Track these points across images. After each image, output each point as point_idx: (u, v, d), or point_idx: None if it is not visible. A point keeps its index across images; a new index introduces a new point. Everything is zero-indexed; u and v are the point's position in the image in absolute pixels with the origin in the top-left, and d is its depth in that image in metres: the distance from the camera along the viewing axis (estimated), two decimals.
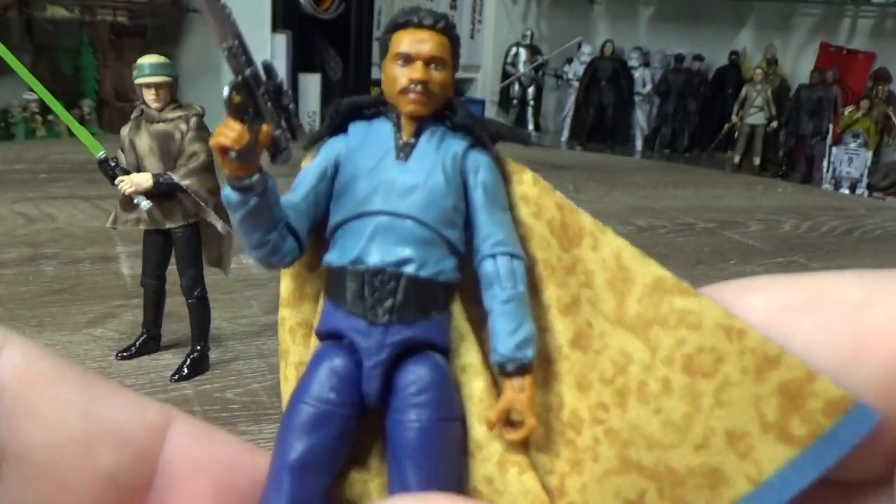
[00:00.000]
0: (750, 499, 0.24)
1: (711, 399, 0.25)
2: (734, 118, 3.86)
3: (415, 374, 0.29)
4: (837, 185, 3.48)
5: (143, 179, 0.95)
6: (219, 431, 0.29)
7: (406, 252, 0.30)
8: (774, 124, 3.77)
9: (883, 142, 3.66)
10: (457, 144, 0.31)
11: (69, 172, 2.05)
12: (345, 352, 0.30)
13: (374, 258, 0.30)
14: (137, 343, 1.06)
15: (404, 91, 0.31)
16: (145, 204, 0.96)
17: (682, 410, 0.26)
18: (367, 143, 0.32)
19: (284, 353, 0.32)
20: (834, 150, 3.52)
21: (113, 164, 0.96)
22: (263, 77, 0.28)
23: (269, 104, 0.28)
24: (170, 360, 1.05)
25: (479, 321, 0.31)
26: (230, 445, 0.28)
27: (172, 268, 1.03)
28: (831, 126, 3.57)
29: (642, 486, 0.26)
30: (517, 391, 0.29)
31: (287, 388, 0.31)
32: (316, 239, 0.32)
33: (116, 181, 0.95)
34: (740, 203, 2.23)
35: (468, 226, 0.31)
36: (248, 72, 0.27)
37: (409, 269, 0.29)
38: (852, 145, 3.47)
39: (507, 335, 0.29)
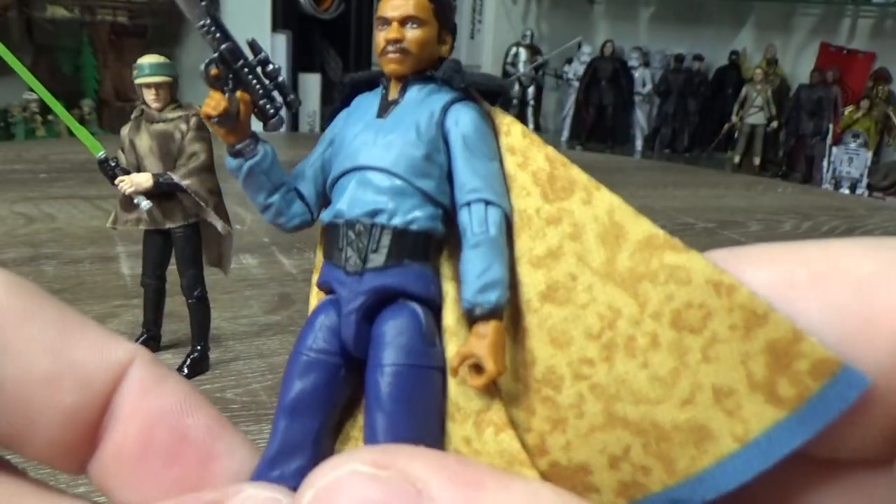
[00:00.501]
0: (735, 457, 0.24)
1: (699, 355, 0.25)
2: (734, 118, 3.86)
3: (391, 321, 0.30)
4: (837, 185, 3.48)
5: (143, 179, 0.95)
6: (171, 379, 0.29)
7: (377, 202, 0.30)
8: (774, 124, 3.77)
9: (883, 142, 3.66)
10: (439, 99, 0.32)
11: (69, 172, 2.05)
12: (335, 303, 0.31)
13: (350, 211, 0.31)
14: (137, 343, 1.06)
15: (383, 53, 0.32)
16: (145, 204, 0.96)
17: (669, 365, 0.25)
18: (360, 107, 0.33)
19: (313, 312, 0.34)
20: (834, 150, 3.52)
21: (113, 164, 0.96)
22: (247, 52, 0.30)
23: (251, 76, 0.31)
24: (170, 360, 1.05)
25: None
26: (174, 396, 0.28)
27: (172, 268, 1.03)
28: (831, 126, 3.57)
29: (627, 442, 0.26)
30: (480, 337, 0.28)
31: None
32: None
33: (116, 181, 0.95)
34: (740, 203, 2.23)
35: (450, 180, 0.31)
36: (223, 47, 0.30)
37: (381, 218, 0.30)
38: (852, 145, 3.47)
39: (473, 277, 0.28)
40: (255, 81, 0.31)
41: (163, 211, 0.98)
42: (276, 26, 3.88)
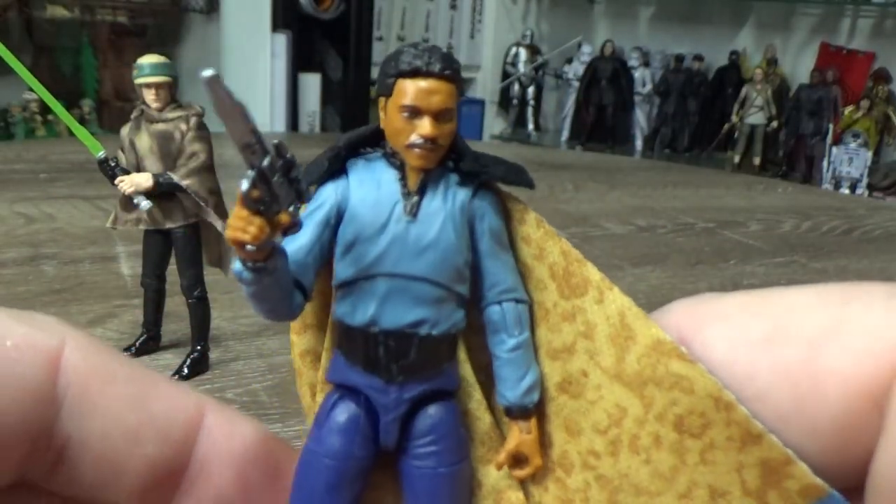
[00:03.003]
0: None
1: (697, 457, 0.27)
2: (734, 118, 3.86)
3: (430, 422, 0.30)
4: (837, 185, 3.48)
5: (143, 179, 0.95)
6: (243, 422, 0.31)
7: (420, 314, 0.29)
8: (774, 124, 3.77)
9: (883, 142, 3.66)
10: (463, 191, 0.30)
11: (69, 172, 2.05)
12: (361, 404, 0.30)
13: (389, 321, 0.29)
14: (137, 343, 1.06)
15: (412, 146, 0.29)
16: (145, 204, 0.96)
17: (669, 463, 0.27)
18: (373, 195, 0.30)
19: (298, 372, 0.34)
20: (834, 150, 3.52)
21: (113, 164, 0.96)
22: (276, 159, 0.27)
23: (284, 185, 0.27)
24: (170, 360, 1.05)
25: (478, 364, 0.32)
26: (256, 435, 0.30)
27: (172, 268, 1.03)
28: (831, 126, 3.57)
29: None
30: (524, 433, 0.30)
31: (305, 403, 0.34)
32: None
33: (116, 181, 0.95)
34: (740, 203, 2.23)
35: (473, 271, 0.31)
36: (265, 163, 0.26)
37: (423, 329, 0.30)
38: (852, 145, 3.47)
39: (515, 382, 0.30)
40: (287, 192, 0.27)
41: (163, 211, 0.98)
42: (276, 26, 3.87)
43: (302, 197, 0.28)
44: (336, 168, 0.31)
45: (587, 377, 0.29)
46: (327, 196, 0.30)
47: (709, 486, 0.26)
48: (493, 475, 0.31)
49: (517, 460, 0.30)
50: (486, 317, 0.31)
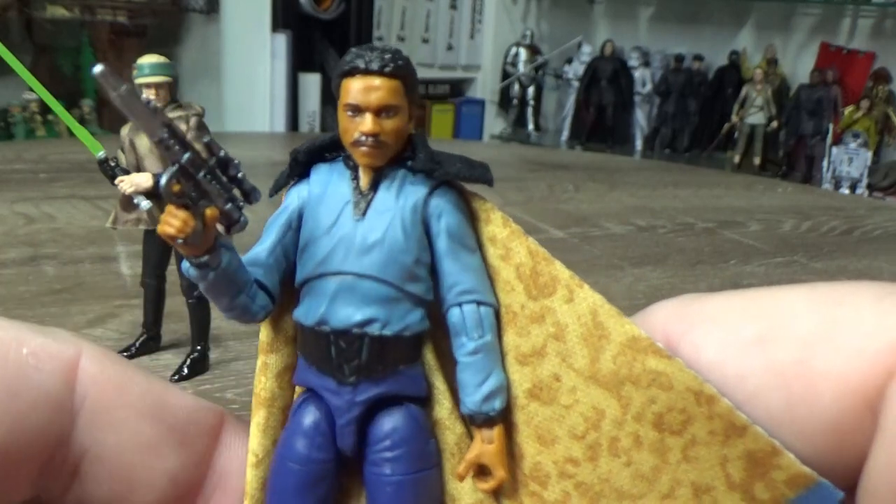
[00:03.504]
0: None
1: (679, 454, 0.26)
2: (734, 118, 3.86)
3: (389, 427, 0.30)
4: (837, 185, 3.48)
5: (143, 179, 0.95)
6: None
7: (368, 312, 0.29)
8: (774, 124, 3.77)
9: (883, 142, 3.66)
10: (417, 191, 0.30)
11: (69, 172, 2.05)
12: (322, 406, 0.30)
13: (338, 320, 0.29)
14: (137, 343, 1.06)
15: (356, 144, 0.29)
16: (145, 204, 0.96)
17: (651, 463, 0.26)
18: (327, 195, 0.30)
19: (268, 400, 0.31)
20: (834, 150, 3.52)
21: (113, 164, 0.96)
22: (205, 156, 0.28)
23: (214, 182, 0.28)
24: (170, 360, 1.05)
25: (452, 372, 0.31)
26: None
27: (172, 268, 1.03)
28: (831, 126, 3.57)
29: None
30: (486, 442, 0.29)
31: (278, 437, 0.31)
32: (289, 281, 0.31)
33: (116, 181, 0.95)
34: (740, 203, 2.23)
35: (434, 272, 0.30)
36: (184, 158, 0.27)
37: (373, 329, 0.29)
38: (852, 145, 3.47)
39: (474, 387, 0.29)
40: (217, 187, 0.28)
41: (163, 211, 0.98)
42: (276, 26, 3.87)
43: (248, 196, 0.29)
44: (297, 173, 0.31)
45: (560, 381, 0.28)
46: (291, 200, 0.31)
47: (692, 483, 0.26)
48: (467, 490, 0.30)
49: (482, 471, 0.29)
50: (448, 321, 0.30)
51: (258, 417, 0.31)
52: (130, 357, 1.05)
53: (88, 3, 3.65)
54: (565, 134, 4.44)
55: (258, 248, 0.31)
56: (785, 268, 1.61)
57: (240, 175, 0.29)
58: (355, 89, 0.29)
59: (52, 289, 1.26)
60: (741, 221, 1.99)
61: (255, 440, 0.30)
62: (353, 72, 0.29)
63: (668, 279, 1.46)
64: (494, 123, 4.85)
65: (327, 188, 0.31)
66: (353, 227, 0.30)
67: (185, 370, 1.01)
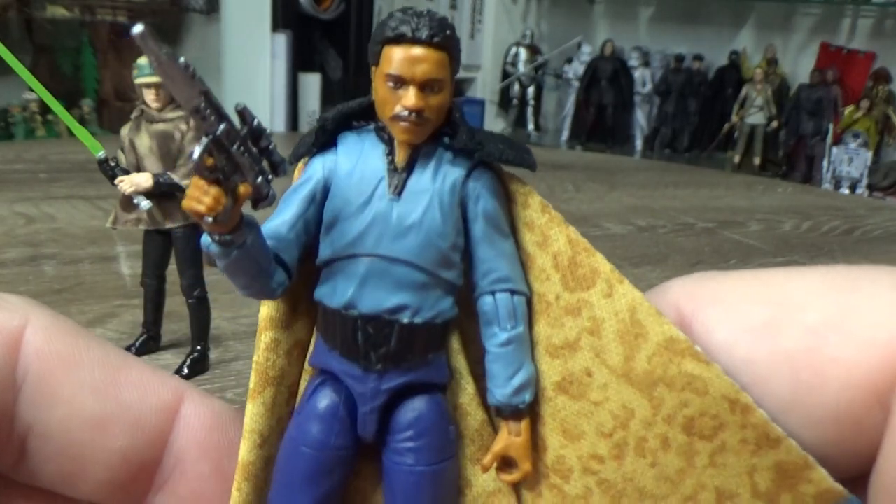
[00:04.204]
0: None
1: (706, 459, 0.26)
2: (734, 118, 3.86)
3: (412, 416, 0.29)
4: (837, 185, 3.48)
5: (143, 179, 0.95)
6: (227, 412, 0.29)
7: (401, 298, 0.28)
8: (774, 124, 3.77)
9: (883, 142, 3.66)
10: (455, 170, 0.28)
11: (69, 172, 2.05)
12: (342, 391, 0.29)
13: (367, 305, 0.28)
14: (137, 343, 1.06)
15: (396, 118, 0.27)
16: (145, 204, 0.96)
17: (676, 466, 0.26)
18: (358, 169, 0.29)
19: (276, 378, 0.30)
20: (834, 150, 3.52)
21: (113, 164, 0.96)
22: (238, 125, 0.25)
23: (246, 154, 0.26)
24: (170, 360, 1.05)
25: (476, 356, 0.30)
26: (236, 429, 0.29)
27: (172, 268, 1.03)
28: (831, 126, 3.57)
29: None
30: (513, 435, 0.28)
31: (283, 415, 0.30)
32: (307, 255, 0.30)
33: (116, 181, 0.95)
34: (740, 203, 2.23)
35: (466, 256, 0.29)
36: (220, 129, 0.25)
37: (405, 316, 0.28)
38: (852, 145, 3.47)
39: (504, 379, 0.28)
40: (249, 160, 0.26)
41: (163, 211, 0.98)
42: (276, 26, 3.87)
43: (277, 169, 0.27)
44: (323, 141, 0.29)
45: (591, 376, 0.28)
46: (314, 171, 0.29)
47: (716, 488, 0.25)
48: (483, 476, 0.30)
49: (506, 463, 0.29)
50: (479, 308, 0.29)
51: (264, 396, 0.29)
52: None
53: (88, 3, 3.65)
54: (565, 134, 4.43)
55: (276, 220, 0.29)
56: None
57: (271, 146, 0.26)
58: (399, 59, 0.27)
59: (52, 289, 1.26)
60: (741, 221, 1.98)
61: (262, 420, 0.29)
62: (398, 39, 0.27)
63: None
64: (494, 123, 4.85)
65: (358, 161, 0.29)
66: (388, 206, 0.28)
67: (185, 370, 1.01)
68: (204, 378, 1.02)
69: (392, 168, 0.28)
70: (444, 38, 0.27)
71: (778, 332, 0.24)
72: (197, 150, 0.24)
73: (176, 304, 1.07)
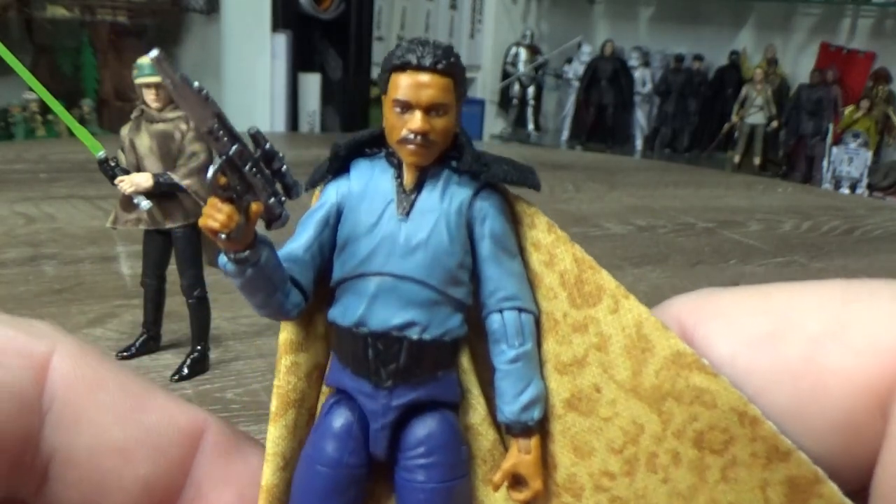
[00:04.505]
0: None
1: (718, 474, 0.25)
2: (734, 118, 3.86)
3: (423, 433, 0.29)
4: (837, 185, 3.48)
5: (143, 179, 0.95)
6: (248, 442, 0.29)
7: (409, 315, 0.29)
8: (774, 124, 3.77)
9: (883, 142, 3.66)
10: (462, 192, 0.29)
11: (69, 172, 2.05)
12: (356, 410, 0.29)
13: (376, 322, 0.29)
14: (137, 343, 1.06)
15: (403, 141, 0.29)
16: (145, 204, 0.96)
17: (688, 481, 0.26)
18: (369, 192, 0.30)
19: (297, 401, 0.30)
20: (834, 150, 3.52)
21: (113, 164, 0.96)
22: (251, 148, 0.27)
23: (259, 175, 0.27)
24: (170, 360, 1.05)
25: (487, 377, 0.30)
26: (257, 457, 0.29)
27: (172, 268, 1.03)
28: (831, 126, 3.57)
29: None
30: (523, 453, 0.29)
31: (304, 437, 0.30)
32: (322, 279, 0.30)
33: (116, 181, 0.95)
34: (740, 203, 2.23)
35: (475, 276, 0.30)
36: (232, 150, 0.26)
37: (413, 332, 0.29)
38: (852, 145, 3.47)
39: (513, 396, 0.29)
40: (262, 181, 0.27)
41: (163, 211, 0.98)
42: (276, 26, 3.87)
43: (290, 191, 0.28)
44: (336, 167, 0.30)
45: (600, 392, 0.28)
46: (328, 196, 0.30)
47: (729, 503, 0.25)
48: (495, 496, 0.30)
49: (517, 481, 0.29)
50: (487, 327, 0.30)
51: (286, 419, 0.29)
52: (130, 357, 1.05)
53: (88, 3, 3.65)
54: (565, 134, 4.43)
55: (294, 243, 0.30)
56: (785, 268, 1.61)
57: (283, 169, 0.28)
58: (405, 85, 0.28)
59: (52, 289, 1.26)
60: (741, 221, 1.99)
61: (285, 442, 0.29)
62: (404, 66, 0.28)
63: (668, 279, 1.46)
64: (494, 123, 4.85)
65: (368, 185, 0.30)
66: (397, 226, 0.29)
67: (185, 370, 1.01)
68: (204, 378, 1.02)
69: (401, 190, 0.29)
70: (447, 65, 0.28)
71: (778, 343, 0.24)
72: (211, 170, 0.26)
73: (176, 304, 1.07)
